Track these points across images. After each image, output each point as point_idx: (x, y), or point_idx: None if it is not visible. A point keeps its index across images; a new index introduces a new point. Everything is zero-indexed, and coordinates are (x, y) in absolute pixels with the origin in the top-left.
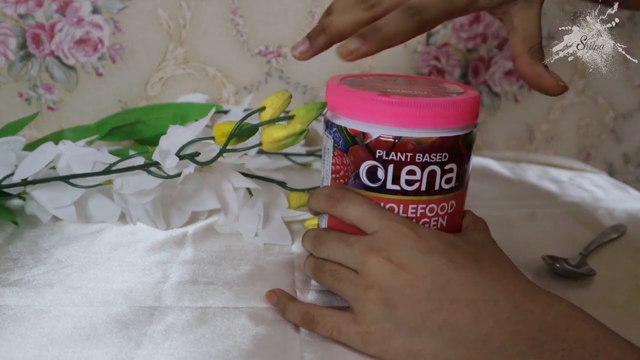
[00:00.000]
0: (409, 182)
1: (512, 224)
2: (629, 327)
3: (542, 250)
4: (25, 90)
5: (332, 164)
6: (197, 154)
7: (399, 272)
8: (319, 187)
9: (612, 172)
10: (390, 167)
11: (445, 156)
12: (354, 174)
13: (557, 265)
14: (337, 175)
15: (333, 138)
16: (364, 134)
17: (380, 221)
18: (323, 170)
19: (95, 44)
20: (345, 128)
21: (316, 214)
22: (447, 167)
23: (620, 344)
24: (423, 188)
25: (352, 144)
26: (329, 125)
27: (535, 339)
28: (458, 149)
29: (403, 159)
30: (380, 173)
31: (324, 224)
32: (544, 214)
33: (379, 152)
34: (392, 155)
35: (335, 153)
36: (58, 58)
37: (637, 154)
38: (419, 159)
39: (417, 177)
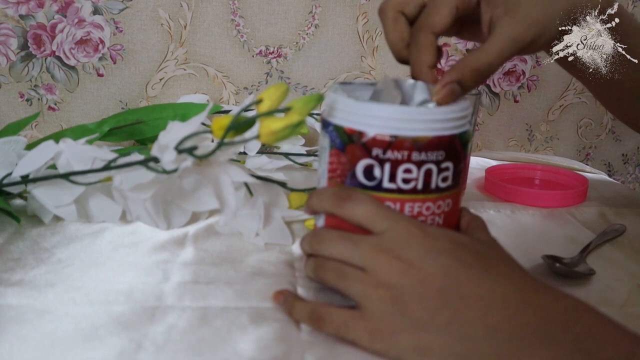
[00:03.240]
0: (405, 181)
1: (513, 224)
2: (629, 326)
3: (542, 250)
4: (27, 91)
5: (329, 163)
6: (196, 147)
7: (409, 271)
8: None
9: (611, 172)
10: (387, 166)
11: (441, 154)
12: (350, 172)
13: (557, 265)
14: (334, 174)
15: (330, 137)
16: (361, 133)
17: (388, 221)
18: (320, 169)
19: (96, 45)
20: (342, 127)
21: (315, 213)
22: (443, 165)
23: (628, 335)
24: (419, 187)
25: (348, 143)
26: (325, 124)
27: (544, 330)
28: (454, 147)
29: (400, 157)
30: (377, 171)
31: (320, 222)
32: (544, 214)
33: (376, 151)
34: (389, 154)
35: (332, 152)
36: (59, 58)
37: (635, 154)
38: (415, 158)
39: (414, 175)
